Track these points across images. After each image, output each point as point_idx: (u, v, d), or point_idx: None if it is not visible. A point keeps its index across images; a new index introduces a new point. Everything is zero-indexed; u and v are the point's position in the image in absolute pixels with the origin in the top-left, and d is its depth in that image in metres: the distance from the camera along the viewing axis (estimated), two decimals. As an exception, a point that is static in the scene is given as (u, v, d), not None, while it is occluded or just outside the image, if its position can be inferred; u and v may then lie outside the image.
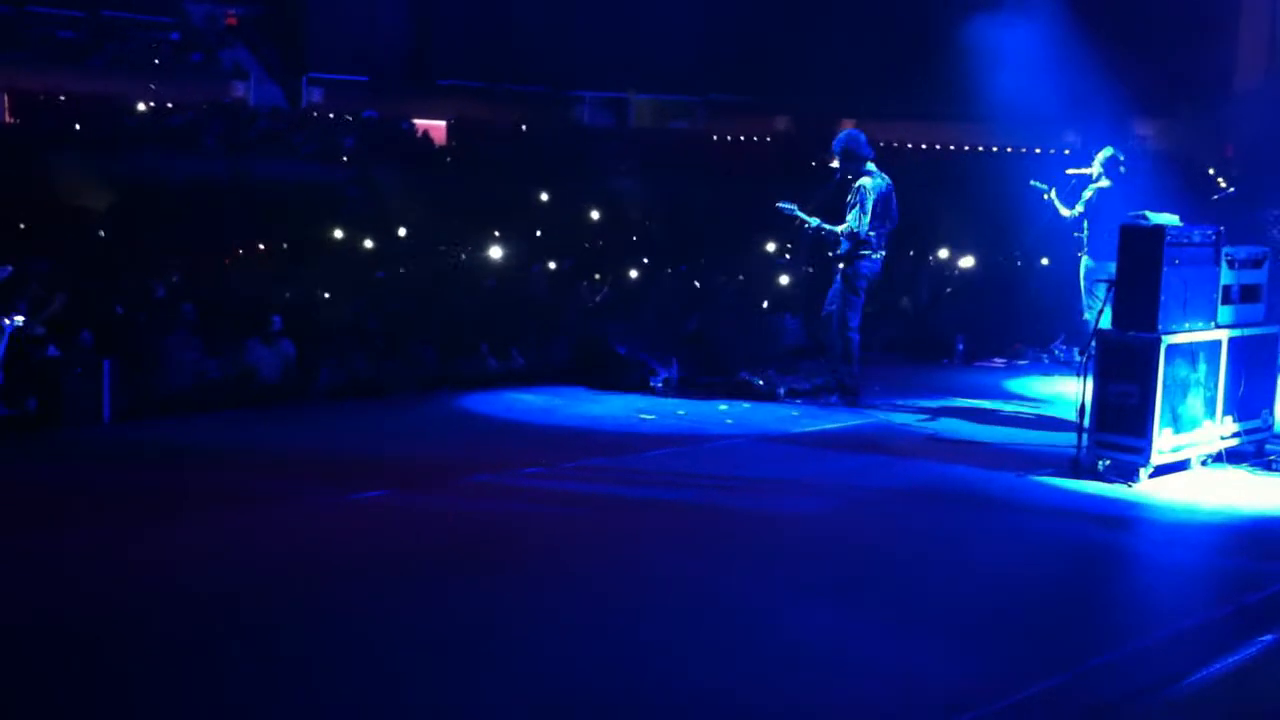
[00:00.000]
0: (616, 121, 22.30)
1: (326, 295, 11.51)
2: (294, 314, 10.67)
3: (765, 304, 13.36)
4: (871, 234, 10.10)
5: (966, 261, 15.27)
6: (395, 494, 7.34)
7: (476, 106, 22.72)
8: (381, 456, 8.30)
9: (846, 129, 10.73)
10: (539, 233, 14.93)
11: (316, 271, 12.04)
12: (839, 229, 10.18)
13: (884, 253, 10.30)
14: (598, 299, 12.61)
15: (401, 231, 14.39)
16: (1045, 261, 14.75)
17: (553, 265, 13.47)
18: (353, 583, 5.82)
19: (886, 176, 10.31)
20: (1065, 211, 11.81)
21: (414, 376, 10.54)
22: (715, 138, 22.46)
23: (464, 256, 13.50)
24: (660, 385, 10.64)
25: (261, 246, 13.17)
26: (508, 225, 14.36)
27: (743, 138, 22.61)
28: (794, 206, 10.39)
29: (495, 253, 13.25)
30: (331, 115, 22.44)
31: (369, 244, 13.68)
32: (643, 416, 9.81)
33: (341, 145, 18.39)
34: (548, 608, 5.62)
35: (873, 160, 10.29)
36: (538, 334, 11.57)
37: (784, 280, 13.93)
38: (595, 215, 16.02)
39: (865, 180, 10.17)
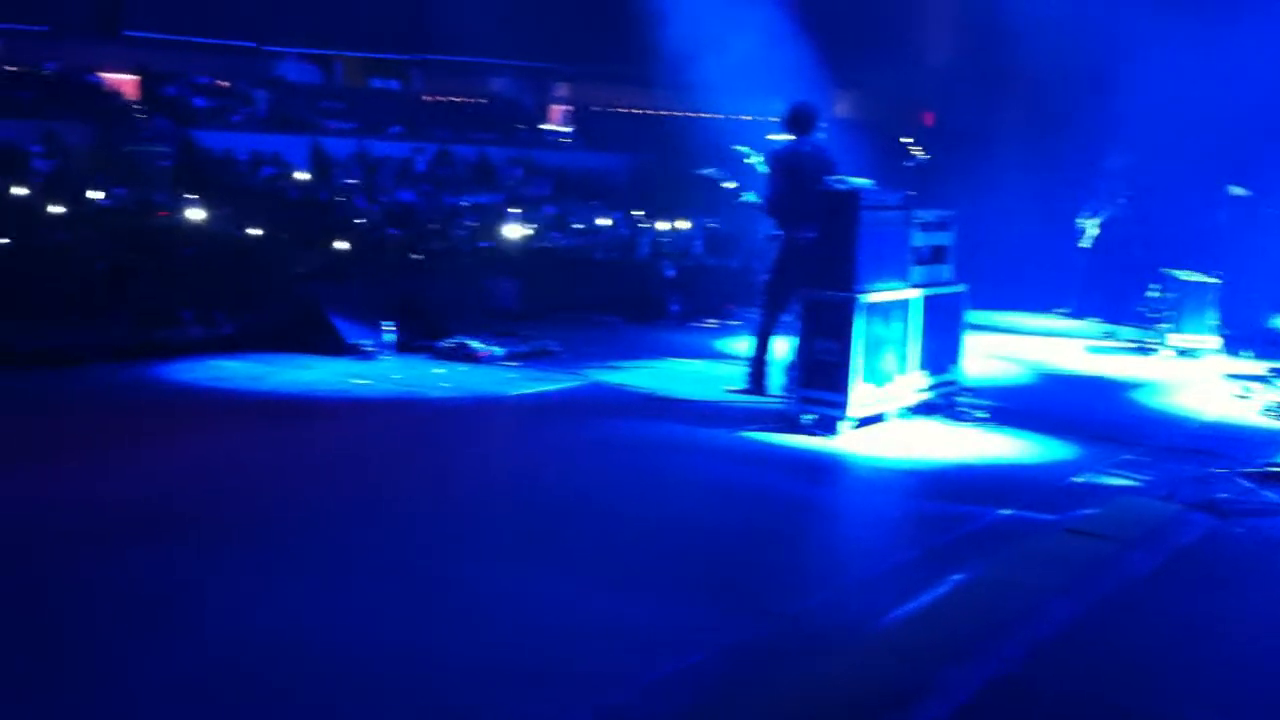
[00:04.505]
0: (324, 79, 21.55)
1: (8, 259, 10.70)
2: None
3: (483, 268, 13.25)
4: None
5: (684, 224, 15.61)
6: (88, 464, 6.91)
7: (170, 59, 21.50)
8: (74, 426, 7.81)
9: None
10: (246, 195, 14.31)
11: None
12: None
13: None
14: (310, 262, 12.19)
15: (91, 193, 13.49)
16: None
17: (260, 230, 12.92)
18: (52, 550, 5.46)
19: (807, 144, 9.74)
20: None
21: (110, 345, 9.94)
22: (427, 98, 22.07)
23: (162, 218, 12.78)
24: (374, 350, 10.39)
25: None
26: (208, 187, 13.68)
27: (455, 99, 22.30)
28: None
29: (198, 215, 12.59)
30: (11, 68, 20.81)
31: (55, 206, 12.76)
32: (356, 381, 9.58)
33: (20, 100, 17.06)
34: (245, 572, 5.42)
35: (805, 131, 9.79)
36: (246, 299, 11.09)
37: (506, 244, 13.85)
38: (304, 176, 15.49)
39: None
